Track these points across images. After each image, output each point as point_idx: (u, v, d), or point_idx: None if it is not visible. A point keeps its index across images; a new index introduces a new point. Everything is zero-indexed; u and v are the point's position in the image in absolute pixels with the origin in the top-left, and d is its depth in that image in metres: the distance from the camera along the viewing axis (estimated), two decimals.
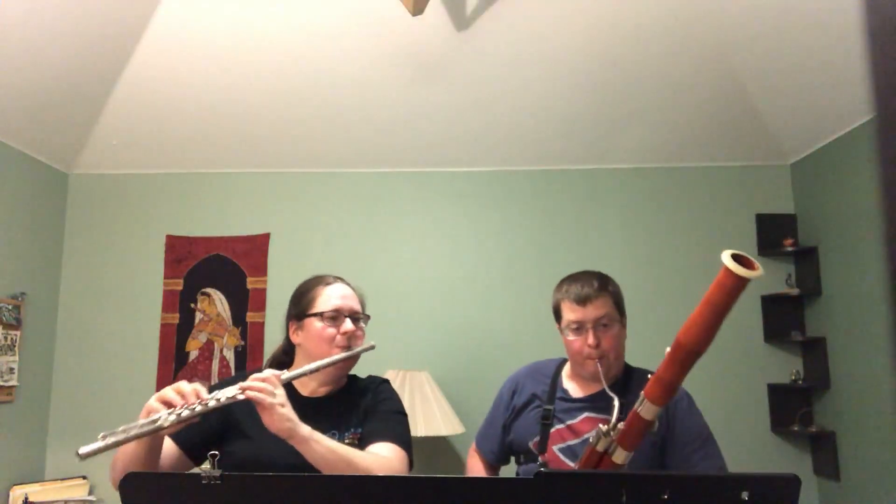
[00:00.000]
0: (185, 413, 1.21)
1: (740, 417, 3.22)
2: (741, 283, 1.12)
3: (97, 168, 3.55)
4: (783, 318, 3.29)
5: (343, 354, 1.48)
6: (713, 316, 1.17)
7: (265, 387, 1.28)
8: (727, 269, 1.12)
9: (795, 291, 3.25)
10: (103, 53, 2.89)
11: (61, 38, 2.70)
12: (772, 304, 3.29)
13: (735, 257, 1.12)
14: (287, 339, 1.59)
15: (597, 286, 1.59)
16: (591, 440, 1.37)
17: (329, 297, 1.53)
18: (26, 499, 2.98)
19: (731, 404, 3.20)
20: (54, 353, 3.42)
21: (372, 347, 1.54)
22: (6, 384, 3.05)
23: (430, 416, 2.89)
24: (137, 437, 1.17)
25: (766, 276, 3.34)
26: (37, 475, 3.23)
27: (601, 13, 2.78)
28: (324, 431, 1.45)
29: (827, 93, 2.83)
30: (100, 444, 1.11)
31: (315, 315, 1.52)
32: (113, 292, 3.49)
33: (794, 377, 3.21)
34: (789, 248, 3.26)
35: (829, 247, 3.13)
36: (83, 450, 1.09)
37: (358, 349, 1.52)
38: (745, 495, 0.87)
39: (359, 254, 3.47)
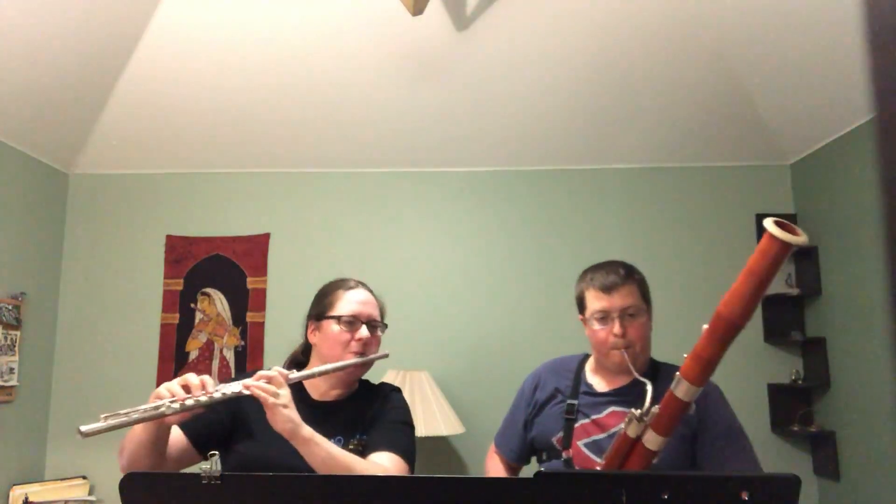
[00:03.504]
0: (189, 402, 1.23)
1: (740, 417, 3.19)
2: (785, 249, 1.09)
3: (97, 168, 3.55)
4: (783, 318, 3.28)
5: (353, 360, 1.47)
6: (756, 286, 1.13)
7: (268, 387, 1.28)
8: (771, 236, 1.09)
9: (795, 291, 3.25)
10: (103, 53, 2.89)
11: (61, 38, 2.70)
12: (772, 304, 3.29)
13: (778, 224, 1.09)
14: (305, 338, 1.60)
15: (623, 274, 1.55)
16: (622, 426, 1.33)
17: (348, 302, 1.54)
18: (26, 499, 2.98)
19: (732, 404, 3.18)
20: (54, 353, 3.42)
21: (385, 356, 1.54)
22: (6, 384, 3.05)
23: (430, 416, 2.89)
24: (139, 421, 1.19)
25: None
26: (37, 475, 3.23)
27: (601, 13, 2.78)
28: (329, 436, 1.45)
29: (827, 93, 2.83)
30: (102, 424, 1.13)
31: (332, 318, 1.52)
32: (113, 292, 3.49)
33: (794, 377, 3.21)
34: None
35: (829, 247, 3.13)
36: (85, 428, 1.10)
37: (370, 357, 1.51)
38: (745, 495, 0.87)
39: (359, 254, 3.47)
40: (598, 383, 1.61)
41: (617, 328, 1.50)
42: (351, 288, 1.57)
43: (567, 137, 3.35)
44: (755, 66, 2.91)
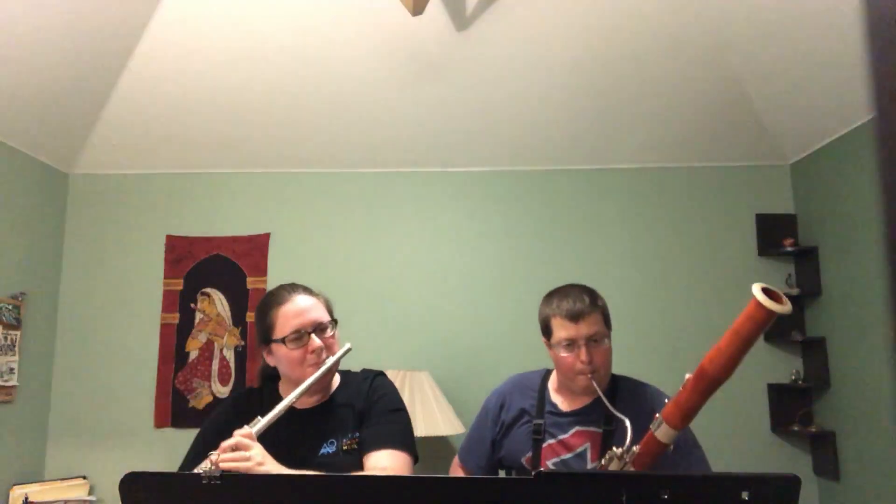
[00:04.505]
0: None
1: (740, 417, 3.22)
2: (770, 316, 1.18)
3: (97, 168, 3.55)
4: (783, 318, 3.27)
5: (312, 379, 1.42)
6: (739, 346, 1.22)
7: (237, 455, 1.27)
8: (757, 303, 1.16)
9: (795, 291, 3.25)
10: (103, 53, 2.89)
11: (61, 38, 2.70)
12: None
13: (765, 291, 1.18)
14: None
15: (588, 302, 1.58)
16: (603, 461, 1.40)
17: (286, 319, 1.47)
18: (26, 499, 2.98)
19: (731, 404, 3.20)
20: (54, 353, 3.42)
21: (348, 351, 1.48)
22: (6, 384, 3.05)
23: (430, 416, 2.89)
24: None
25: (767, 277, 3.34)
26: (37, 475, 3.23)
27: (601, 13, 2.78)
28: (322, 441, 1.44)
29: (827, 93, 2.83)
30: None
31: (278, 342, 1.47)
32: (113, 292, 3.48)
33: (794, 377, 3.21)
34: (789, 248, 3.26)
35: (829, 247, 3.13)
36: None
37: (330, 361, 1.45)
38: (745, 495, 0.87)
39: (359, 254, 3.47)
40: (562, 402, 1.66)
41: (584, 356, 1.55)
42: (285, 302, 1.49)
43: (567, 137, 3.35)
44: (755, 67, 2.91)
